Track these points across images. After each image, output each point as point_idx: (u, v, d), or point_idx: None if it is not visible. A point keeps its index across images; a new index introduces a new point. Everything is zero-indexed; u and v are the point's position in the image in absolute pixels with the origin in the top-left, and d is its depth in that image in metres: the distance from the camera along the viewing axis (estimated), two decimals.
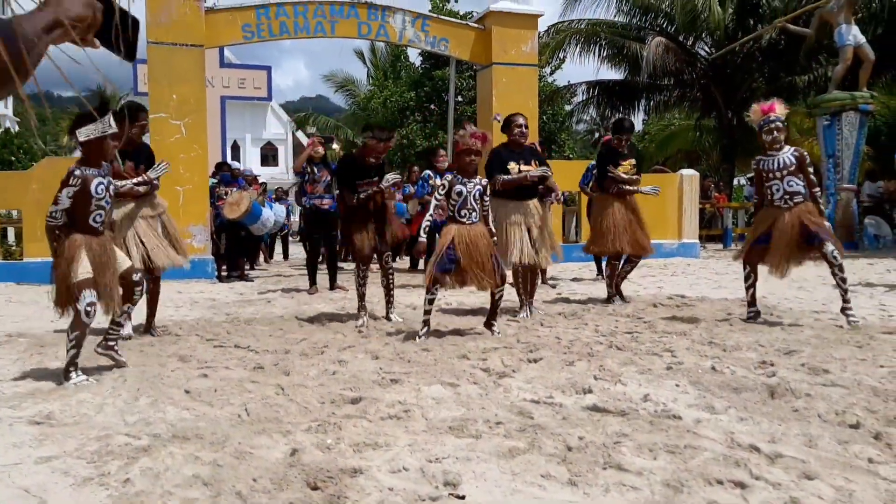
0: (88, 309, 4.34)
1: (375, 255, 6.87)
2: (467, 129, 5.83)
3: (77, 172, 4.38)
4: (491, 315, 5.92)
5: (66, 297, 4.34)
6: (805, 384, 4.06)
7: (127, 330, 5.96)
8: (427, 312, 5.72)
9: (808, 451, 3.02)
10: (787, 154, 6.13)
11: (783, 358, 4.80)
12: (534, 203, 6.82)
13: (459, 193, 5.69)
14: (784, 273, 6.14)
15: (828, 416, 3.47)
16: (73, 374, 4.33)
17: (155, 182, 6.04)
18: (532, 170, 6.69)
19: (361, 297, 6.84)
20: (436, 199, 5.85)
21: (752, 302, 6.36)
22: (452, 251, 5.55)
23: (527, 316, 6.78)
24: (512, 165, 6.70)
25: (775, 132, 6.13)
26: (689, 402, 3.79)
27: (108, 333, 4.72)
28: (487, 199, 5.83)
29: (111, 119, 4.38)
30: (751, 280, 6.33)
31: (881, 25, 18.57)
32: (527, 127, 6.96)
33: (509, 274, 6.20)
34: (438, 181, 9.88)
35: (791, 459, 2.91)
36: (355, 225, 6.68)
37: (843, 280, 5.98)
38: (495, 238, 5.95)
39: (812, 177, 6.14)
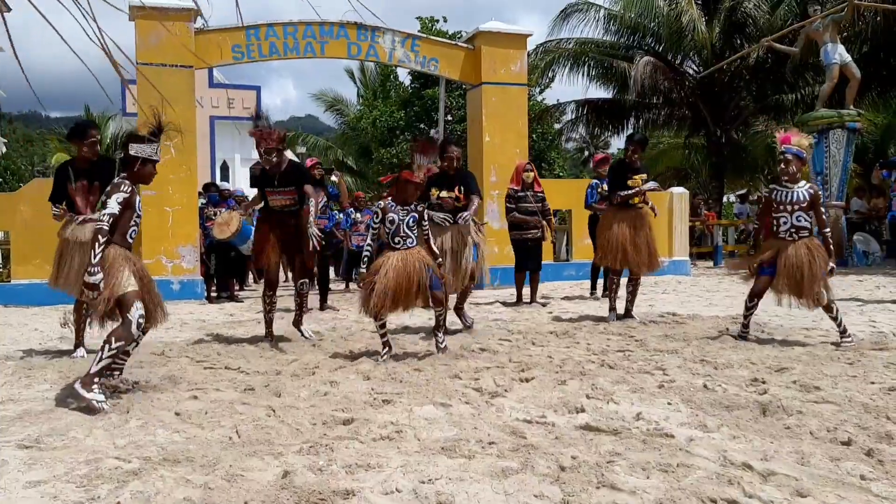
0: (141, 321, 4.29)
1: (292, 280, 6.95)
2: (422, 159, 5.80)
3: (127, 181, 4.38)
4: (435, 327, 5.96)
5: (111, 306, 4.23)
6: (797, 401, 4.07)
7: (80, 353, 6.01)
8: (383, 336, 5.76)
9: (801, 468, 3.03)
10: (803, 190, 6.11)
11: (774, 375, 4.81)
12: (453, 231, 6.88)
13: (392, 221, 5.72)
14: (791, 301, 6.18)
15: (820, 434, 3.48)
16: (95, 388, 4.15)
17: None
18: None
19: (268, 323, 6.91)
20: (371, 226, 5.85)
21: (746, 325, 6.39)
22: (385, 279, 5.53)
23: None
24: (433, 192, 6.86)
25: (783, 164, 6.14)
26: (681, 420, 3.79)
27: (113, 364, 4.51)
28: (426, 224, 5.87)
29: (159, 148, 4.52)
30: (753, 309, 6.34)
31: (866, 44, 18.77)
32: (456, 158, 7.03)
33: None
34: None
35: (784, 477, 2.91)
36: (266, 245, 6.63)
37: (835, 318, 6.02)
38: (440, 260, 6.01)
39: (823, 217, 6.13)
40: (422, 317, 8.33)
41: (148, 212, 10.24)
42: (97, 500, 2.79)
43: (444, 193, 6.89)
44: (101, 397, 4.15)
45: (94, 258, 4.15)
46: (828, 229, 6.17)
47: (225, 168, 36.69)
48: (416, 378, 4.87)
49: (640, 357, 5.57)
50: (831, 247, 6.11)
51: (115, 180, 4.42)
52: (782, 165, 6.14)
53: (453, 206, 6.90)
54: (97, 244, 4.17)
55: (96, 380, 4.19)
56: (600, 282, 10.56)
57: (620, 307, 7.89)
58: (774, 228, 6.19)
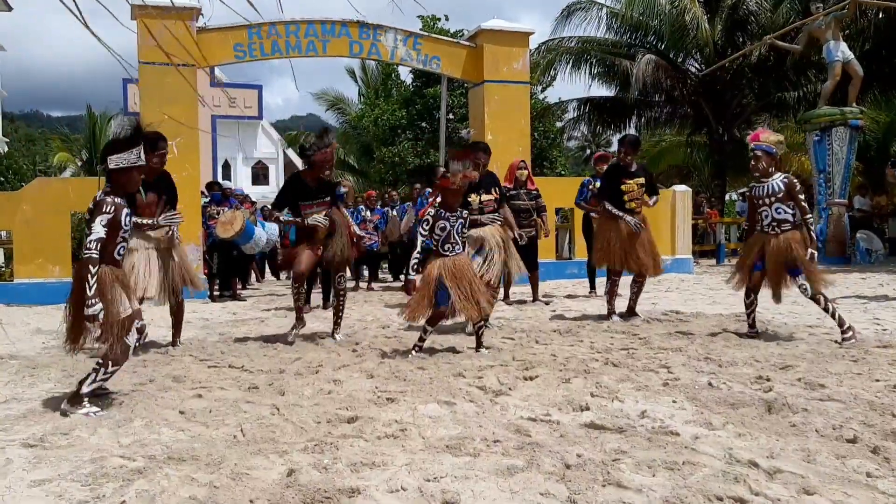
0: (137, 345, 4.23)
1: (332, 274, 6.93)
2: (459, 166, 5.81)
3: (109, 199, 4.11)
4: (477, 344, 5.96)
5: (110, 332, 4.05)
6: (802, 399, 4.07)
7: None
8: (422, 340, 5.82)
9: (807, 466, 3.02)
10: (777, 181, 6.16)
11: (779, 373, 4.80)
12: (492, 229, 6.95)
13: (443, 228, 5.74)
14: (779, 298, 6.22)
15: (825, 431, 3.47)
16: (86, 403, 4.09)
17: (163, 224, 6.11)
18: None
19: (299, 310, 6.92)
20: (420, 234, 5.87)
21: (752, 324, 6.40)
22: (444, 286, 5.59)
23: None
24: (473, 197, 6.83)
25: (752, 161, 6.21)
26: (686, 418, 3.78)
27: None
28: (466, 230, 5.96)
29: (142, 151, 4.23)
30: (752, 306, 6.36)
31: (869, 41, 18.74)
32: (484, 164, 7.01)
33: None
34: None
35: (790, 475, 2.90)
36: (303, 254, 6.60)
37: (826, 310, 6.03)
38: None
39: (804, 204, 6.15)
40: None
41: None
42: (102, 498, 2.78)
43: (485, 196, 6.96)
44: (94, 409, 4.08)
45: (90, 290, 3.94)
46: (809, 216, 6.20)
47: (226, 167, 36.69)
48: (419, 376, 4.87)
49: (644, 355, 5.56)
50: (812, 234, 6.12)
51: (98, 197, 4.13)
52: (752, 162, 6.22)
53: (494, 208, 7.01)
54: (90, 275, 3.96)
55: (86, 399, 4.11)
56: (601, 280, 10.56)
57: (619, 306, 7.86)
58: (759, 224, 6.25)
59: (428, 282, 5.62)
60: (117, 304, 4.11)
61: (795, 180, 6.24)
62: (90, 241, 4.00)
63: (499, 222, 7.02)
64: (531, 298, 9.72)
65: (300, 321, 6.85)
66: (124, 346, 4.15)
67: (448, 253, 5.73)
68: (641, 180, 7.58)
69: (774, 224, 6.11)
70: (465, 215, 5.90)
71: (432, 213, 5.87)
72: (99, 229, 4.02)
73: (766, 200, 6.14)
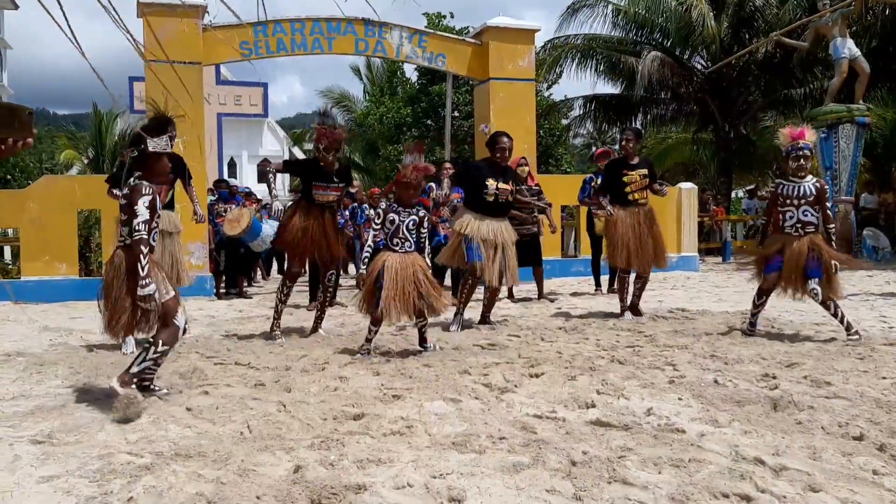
0: (186, 326, 4.27)
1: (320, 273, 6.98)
2: (411, 158, 5.84)
3: (145, 183, 4.14)
4: (420, 341, 5.91)
5: (158, 312, 4.11)
6: (808, 396, 4.06)
7: (130, 348, 5.98)
8: (368, 341, 5.74)
9: (813, 463, 3.02)
10: (809, 184, 6.08)
11: (785, 370, 4.79)
12: (505, 224, 6.95)
13: (392, 222, 5.72)
14: (795, 295, 6.17)
15: (831, 429, 3.47)
16: (133, 387, 4.07)
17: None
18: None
19: (279, 314, 6.90)
20: (373, 228, 5.84)
21: (753, 324, 6.37)
22: (381, 280, 5.54)
23: (457, 329, 6.89)
24: (490, 182, 6.79)
25: (802, 160, 6.09)
26: (692, 415, 3.78)
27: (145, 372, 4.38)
28: (424, 230, 5.84)
29: (171, 138, 4.32)
30: (761, 307, 6.33)
31: (876, 38, 18.65)
32: (510, 150, 7.01)
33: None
34: (438, 191, 9.90)
35: (796, 472, 2.91)
36: (304, 238, 6.61)
37: (835, 315, 6.00)
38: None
39: (829, 212, 6.11)
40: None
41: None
42: (110, 494, 2.80)
43: (502, 185, 6.88)
44: (137, 393, 4.05)
45: (143, 270, 3.99)
46: (832, 224, 6.16)
47: (232, 165, 36.74)
48: (425, 374, 4.88)
49: (649, 353, 5.56)
50: (833, 242, 6.09)
51: (133, 182, 4.16)
52: (802, 161, 6.08)
53: (508, 199, 6.98)
54: (142, 255, 4.00)
55: (134, 380, 4.13)
56: (605, 277, 10.57)
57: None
58: (780, 223, 6.17)
59: (370, 277, 5.62)
60: (162, 286, 4.15)
61: (826, 186, 6.18)
62: (138, 224, 4.03)
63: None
64: (536, 296, 9.72)
65: (278, 320, 6.90)
66: (174, 327, 4.19)
67: (396, 248, 5.70)
68: (644, 171, 7.58)
69: (799, 226, 6.04)
70: (422, 215, 5.80)
71: (384, 205, 5.87)
72: (143, 210, 4.05)
73: (795, 202, 6.05)
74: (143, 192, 4.09)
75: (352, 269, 15.72)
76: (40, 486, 2.92)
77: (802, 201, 6.04)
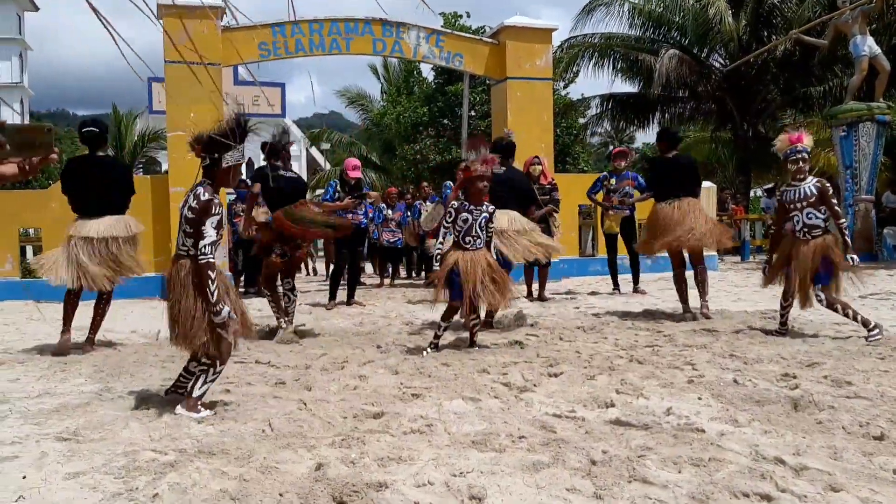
0: (237, 340, 4.06)
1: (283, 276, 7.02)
2: (477, 153, 5.80)
3: (216, 201, 3.91)
4: (470, 342, 5.96)
5: (226, 333, 3.91)
6: (828, 396, 4.05)
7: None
8: (439, 337, 5.85)
9: (834, 463, 3.01)
10: (809, 185, 6.06)
11: (805, 370, 4.78)
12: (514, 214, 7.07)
13: (465, 220, 5.73)
14: (804, 303, 6.14)
15: (852, 428, 3.46)
16: (201, 408, 3.97)
17: None
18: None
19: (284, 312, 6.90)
20: (444, 225, 5.87)
21: (784, 323, 6.34)
22: (458, 277, 5.59)
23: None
24: None
25: (801, 163, 6.07)
26: (711, 415, 3.78)
27: (180, 380, 4.31)
28: (493, 226, 5.89)
29: (244, 148, 4.07)
30: (788, 307, 6.29)
31: None
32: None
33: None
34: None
35: (816, 472, 2.90)
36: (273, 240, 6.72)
37: (847, 316, 5.95)
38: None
39: (837, 208, 6.07)
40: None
41: (177, 209, 10.35)
42: (135, 491, 2.84)
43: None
44: (208, 412, 3.96)
45: (213, 296, 3.82)
46: (843, 220, 6.14)
47: (250, 165, 36.88)
48: (444, 373, 4.90)
49: (668, 352, 5.55)
50: (846, 238, 6.04)
51: (202, 194, 3.89)
52: (800, 164, 6.08)
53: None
54: (210, 281, 3.82)
55: (200, 403, 3.99)
56: (623, 276, 10.55)
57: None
58: (792, 230, 6.16)
59: (443, 272, 5.65)
60: (229, 305, 3.95)
61: (828, 185, 6.14)
62: (205, 246, 3.83)
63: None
64: (552, 296, 9.73)
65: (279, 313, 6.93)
66: (226, 342, 3.97)
67: (468, 246, 5.72)
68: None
69: (805, 230, 6.03)
70: (491, 210, 5.83)
71: (456, 204, 5.85)
72: (212, 232, 3.85)
73: (798, 205, 6.05)
74: (213, 212, 3.85)
75: (368, 267, 15.80)
76: (67, 482, 2.96)
77: (805, 203, 6.02)
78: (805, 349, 5.52)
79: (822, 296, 5.92)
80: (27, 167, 2.14)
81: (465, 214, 5.72)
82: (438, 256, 5.82)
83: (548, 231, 9.53)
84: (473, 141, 5.97)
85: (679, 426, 3.56)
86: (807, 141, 6.13)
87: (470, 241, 5.72)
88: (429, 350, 5.71)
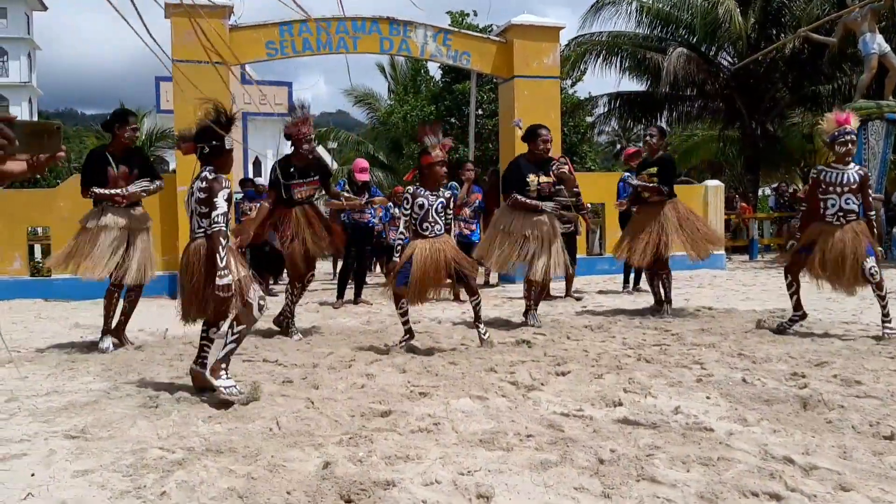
0: (261, 302, 4.34)
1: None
2: (433, 139, 5.79)
3: (222, 177, 4.30)
4: (476, 319, 5.97)
5: (238, 298, 4.23)
6: (838, 395, 4.03)
7: (107, 343, 6.09)
8: (405, 323, 5.94)
9: (843, 462, 3.00)
10: (853, 171, 5.99)
11: (814, 369, 4.76)
12: (548, 217, 6.88)
13: (421, 206, 5.73)
14: (829, 286, 6.11)
15: (862, 428, 3.44)
16: (223, 375, 4.20)
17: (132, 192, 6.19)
18: (546, 204, 6.82)
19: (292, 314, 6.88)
20: (402, 213, 5.85)
21: (796, 306, 6.27)
22: (408, 268, 5.60)
23: (534, 323, 6.96)
24: (531, 178, 6.74)
25: (849, 145, 5.99)
26: (720, 414, 3.76)
27: (202, 352, 4.58)
28: (451, 212, 5.91)
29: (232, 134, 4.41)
30: (793, 288, 6.24)
31: None
32: (551, 140, 6.95)
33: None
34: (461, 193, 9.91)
35: (826, 471, 2.89)
36: (288, 235, 6.60)
37: (881, 298, 5.90)
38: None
39: (870, 199, 6.02)
40: (455, 310, 8.35)
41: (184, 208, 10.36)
42: (143, 489, 2.84)
43: (543, 178, 6.84)
44: (231, 383, 4.21)
45: (222, 261, 4.12)
46: (873, 212, 6.08)
47: (257, 164, 36.95)
48: (451, 371, 4.89)
49: (676, 351, 5.54)
50: (875, 229, 6.01)
51: (208, 175, 4.28)
52: (849, 146, 5.98)
53: (551, 191, 6.93)
54: (221, 246, 4.14)
55: (223, 366, 4.23)
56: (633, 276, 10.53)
57: (642, 303, 7.83)
58: (822, 210, 6.06)
59: (401, 260, 5.67)
60: (237, 270, 4.25)
61: (869, 174, 6.09)
62: (217, 216, 4.17)
63: (554, 210, 6.92)
64: (563, 294, 9.71)
65: (292, 318, 6.92)
66: (249, 305, 4.28)
67: (426, 233, 5.72)
68: (654, 170, 7.56)
69: (841, 214, 5.96)
70: (447, 196, 5.84)
71: (411, 189, 5.84)
72: (222, 203, 4.19)
73: (839, 189, 5.96)
74: (223, 186, 4.23)
75: (377, 268, 15.81)
76: (75, 479, 2.97)
77: (846, 188, 5.94)
78: (814, 348, 5.50)
79: (877, 267, 5.83)
80: (35, 164, 2.14)
81: (420, 200, 5.73)
82: (399, 246, 5.82)
83: (575, 231, 9.54)
84: (429, 127, 5.93)
85: (687, 425, 3.55)
86: (854, 122, 6.04)
87: (427, 228, 5.72)
88: (402, 343, 5.82)
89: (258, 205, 11.27)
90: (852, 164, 6.05)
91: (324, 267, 17.88)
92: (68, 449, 3.35)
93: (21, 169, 2.18)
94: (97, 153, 6.37)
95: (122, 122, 6.25)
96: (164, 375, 4.98)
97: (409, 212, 5.78)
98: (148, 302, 9.85)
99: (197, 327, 4.65)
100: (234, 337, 4.27)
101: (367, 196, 9.13)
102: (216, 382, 4.15)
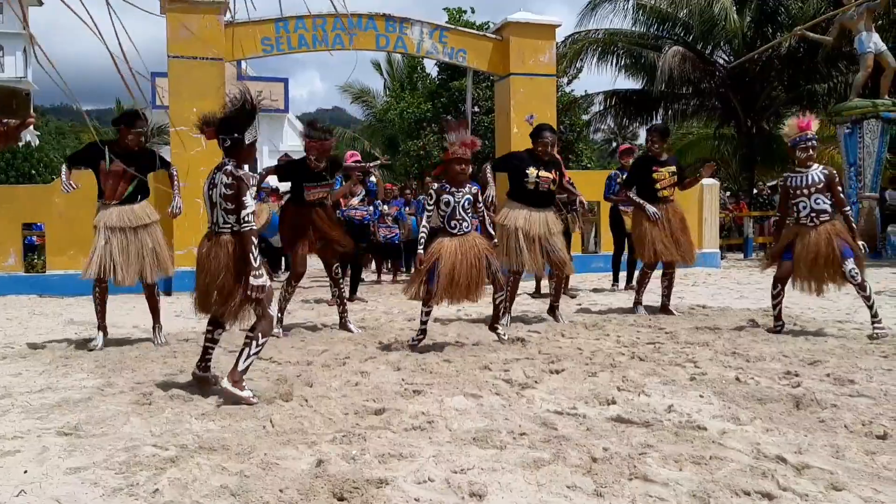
0: (279, 315, 4.30)
1: (324, 267, 6.99)
2: (455, 136, 5.72)
3: (248, 174, 4.24)
4: (494, 319, 5.97)
5: (267, 301, 4.18)
6: (831, 395, 4.04)
7: (100, 342, 6.07)
8: (424, 322, 5.84)
9: (836, 461, 3.01)
10: (816, 172, 6.11)
11: (808, 368, 4.77)
12: (547, 214, 6.85)
13: (447, 203, 5.67)
14: (811, 290, 6.14)
15: (854, 427, 3.45)
16: (244, 385, 4.12)
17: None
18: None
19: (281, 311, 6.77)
20: (426, 209, 5.82)
21: (778, 316, 6.32)
22: (437, 270, 5.52)
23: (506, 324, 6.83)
24: (531, 170, 6.73)
25: (810, 150, 6.12)
26: (713, 412, 3.77)
27: (206, 354, 4.61)
28: (481, 205, 5.82)
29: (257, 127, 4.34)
30: (779, 298, 6.28)
31: None
32: (552, 144, 6.94)
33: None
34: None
35: (818, 470, 2.90)
36: (298, 235, 6.66)
37: (867, 298, 5.95)
38: (495, 241, 6.00)
39: (841, 195, 6.09)
40: (450, 308, 8.34)
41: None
42: (136, 486, 2.84)
43: (543, 173, 6.79)
44: (250, 393, 4.09)
45: (256, 261, 4.07)
46: (848, 208, 6.15)
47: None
48: (445, 369, 4.89)
49: (670, 349, 5.55)
50: (853, 225, 6.07)
51: (233, 171, 4.17)
52: (811, 151, 6.12)
53: (550, 188, 6.89)
54: (254, 246, 4.09)
55: (244, 377, 4.13)
56: (623, 273, 10.54)
57: (646, 301, 7.83)
58: (795, 215, 6.17)
59: (427, 259, 5.59)
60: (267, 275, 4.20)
61: (834, 171, 6.19)
62: (247, 215, 4.11)
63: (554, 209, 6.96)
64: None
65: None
66: (269, 317, 4.23)
67: (454, 231, 5.67)
68: (673, 168, 7.60)
69: (813, 215, 6.04)
70: (475, 191, 5.78)
71: (436, 186, 5.79)
72: (250, 202, 4.14)
73: (806, 191, 6.07)
74: (250, 184, 4.19)
75: (372, 264, 15.77)
76: (68, 477, 2.96)
77: (812, 189, 6.06)
78: (807, 347, 5.51)
79: (857, 269, 5.87)
80: (7, 132, 2.14)
81: (446, 197, 5.66)
82: (422, 240, 5.76)
83: (568, 229, 9.53)
84: (456, 123, 5.84)
85: (680, 424, 3.55)
86: (814, 126, 6.17)
87: (455, 226, 5.66)
88: (413, 343, 5.78)
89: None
90: (815, 165, 6.18)
91: (317, 264, 17.89)
92: (61, 446, 3.35)
93: None
94: (98, 144, 6.38)
95: (127, 124, 6.22)
96: (157, 373, 4.98)
97: (431, 207, 5.74)
98: (142, 299, 9.84)
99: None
100: (258, 349, 4.18)
101: (361, 190, 9.16)
102: (243, 394, 4.04)
